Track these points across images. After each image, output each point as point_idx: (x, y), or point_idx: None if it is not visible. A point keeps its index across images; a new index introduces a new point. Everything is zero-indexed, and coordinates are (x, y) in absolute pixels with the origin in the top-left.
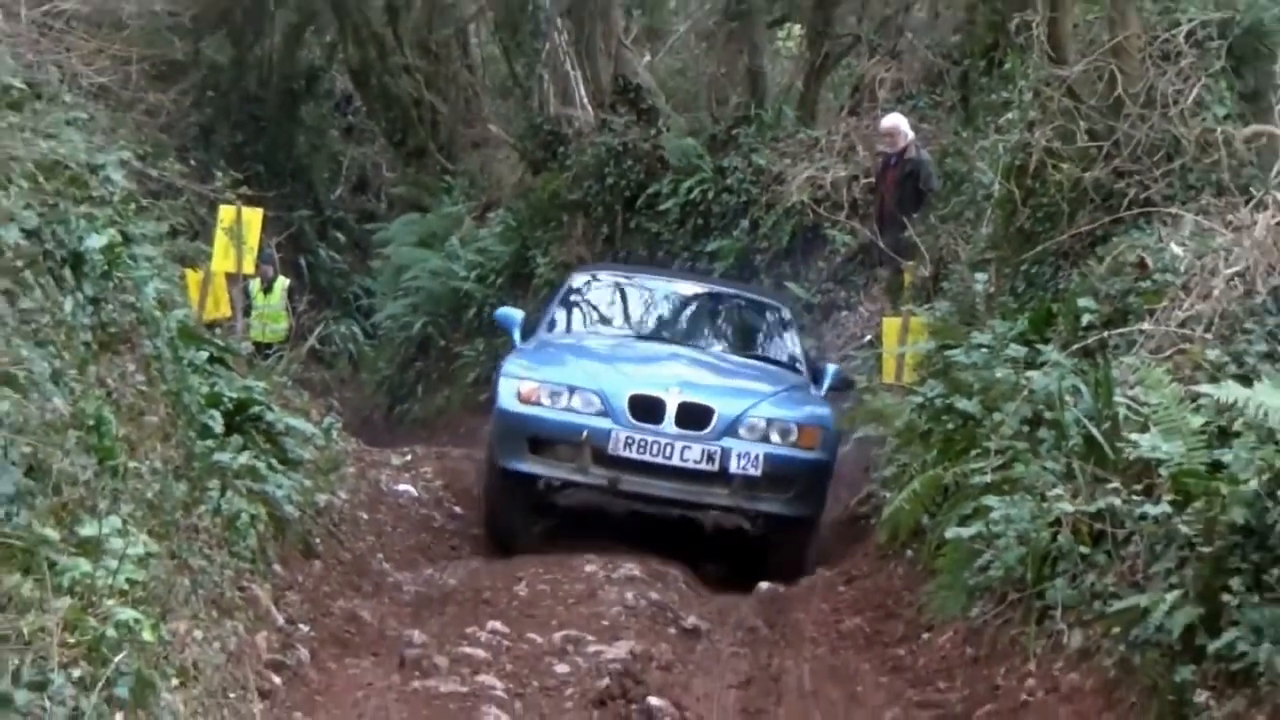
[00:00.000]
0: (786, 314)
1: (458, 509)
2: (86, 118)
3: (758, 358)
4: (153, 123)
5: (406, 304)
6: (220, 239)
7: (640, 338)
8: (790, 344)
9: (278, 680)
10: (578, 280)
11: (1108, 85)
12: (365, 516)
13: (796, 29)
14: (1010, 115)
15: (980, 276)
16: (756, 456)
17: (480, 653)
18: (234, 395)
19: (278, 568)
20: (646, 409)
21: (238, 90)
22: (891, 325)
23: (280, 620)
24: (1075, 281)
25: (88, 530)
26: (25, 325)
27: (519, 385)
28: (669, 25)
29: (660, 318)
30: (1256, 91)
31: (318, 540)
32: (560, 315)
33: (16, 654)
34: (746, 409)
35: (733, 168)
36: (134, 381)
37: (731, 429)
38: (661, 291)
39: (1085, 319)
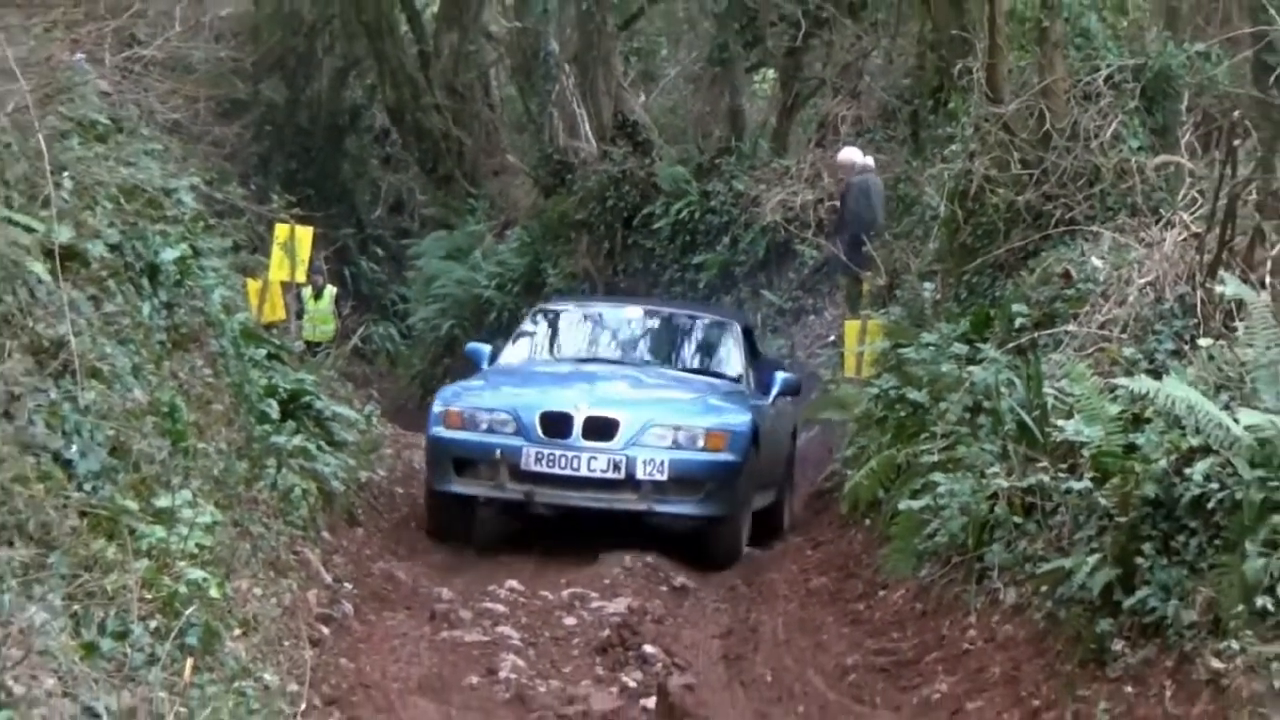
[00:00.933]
0: (736, 329)
1: None
2: (161, 148)
3: (699, 371)
4: (218, 153)
5: (436, 309)
6: (276, 252)
7: (583, 360)
8: (733, 356)
9: (326, 631)
10: (536, 313)
11: (1037, 121)
12: (400, 491)
13: (770, 73)
14: (954, 147)
15: (928, 285)
16: (661, 462)
17: (499, 607)
18: (288, 386)
19: (326, 534)
20: (556, 425)
21: (291, 125)
22: (852, 327)
23: (328, 579)
24: (1009, 290)
25: (163, 502)
26: (109, 326)
27: (445, 412)
28: (661, 70)
29: (608, 342)
30: (1165, 126)
31: (360, 511)
32: (513, 347)
33: (102, 608)
34: (651, 418)
35: (716, 192)
36: (202, 375)
37: (637, 438)
38: (612, 317)
39: (1018, 321)
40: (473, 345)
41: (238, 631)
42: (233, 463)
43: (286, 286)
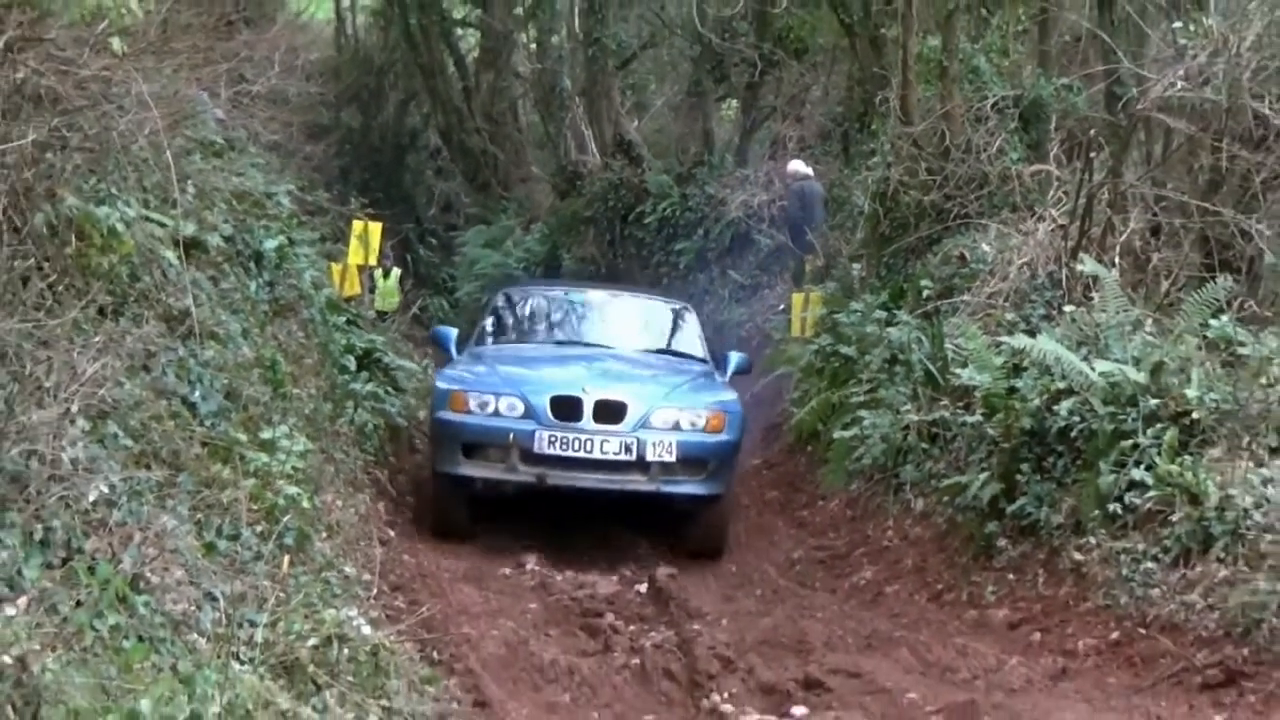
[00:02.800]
0: (689, 313)
1: None
2: (264, 162)
3: (666, 352)
4: (308, 165)
5: (477, 285)
6: (353, 242)
7: (560, 343)
8: (693, 338)
9: (392, 533)
10: (501, 299)
11: (939, 138)
12: None
13: (734, 102)
14: (875, 159)
15: (856, 265)
16: (670, 444)
17: (525, 515)
18: (362, 345)
19: (392, 459)
20: (567, 408)
21: (365, 144)
22: (797, 298)
23: (394, 493)
24: (918, 269)
25: (266, 435)
26: (223, 299)
27: (450, 395)
28: (650, 100)
29: (577, 324)
30: (1038, 142)
31: (418, 441)
32: (488, 329)
33: (218, 516)
34: (657, 401)
35: (692, 195)
36: (296, 337)
37: (645, 421)
38: (576, 300)
39: (925, 293)
40: (439, 329)
41: (324, 534)
42: (320, 404)
43: (361, 269)
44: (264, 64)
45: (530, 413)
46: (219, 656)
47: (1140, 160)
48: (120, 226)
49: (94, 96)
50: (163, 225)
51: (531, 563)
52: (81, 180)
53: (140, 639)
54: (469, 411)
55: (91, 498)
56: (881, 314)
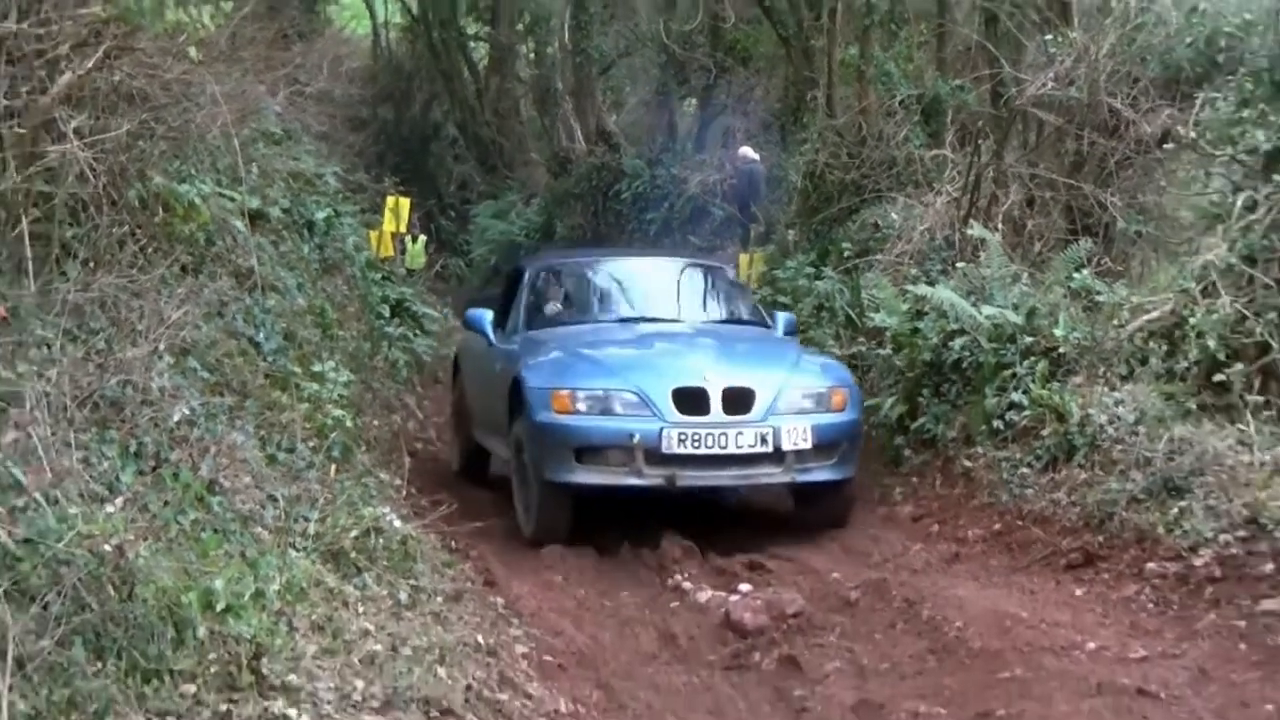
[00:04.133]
0: (730, 271)
1: None
2: (314, 149)
3: (733, 321)
4: (350, 152)
5: (486, 249)
6: (387, 214)
7: (623, 320)
8: (746, 301)
9: (419, 445)
10: (532, 273)
11: (857, 129)
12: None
13: (693, 101)
14: (806, 145)
15: (790, 232)
16: (805, 430)
17: None
18: (395, 297)
19: (419, 388)
20: (691, 401)
21: (396, 135)
22: (744, 258)
23: (420, 415)
24: (840, 233)
25: (317, 368)
26: (282, 259)
27: (551, 394)
28: (625, 99)
29: (631, 297)
30: (936, 132)
31: (440, 373)
32: (533, 309)
33: (278, 433)
34: (783, 384)
35: (659, 175)
36: (341, 290)
37: (774, 406)
38: (616, 271)
39: (845, 253)
40: (472, 312)
41: (363, 448)
42: (360, 344)
43: (394, 235)
44: (314, 70)
45: (651, 408)
46: (278, 545)
47: (1018, 146)
48: (198, 200)
49: (176, 95)
50: (232, 200)
51: None
52: (166, 163)
53: (215, 531)
54: (577, 411)
55: (175, 418)
56: (810, 270)
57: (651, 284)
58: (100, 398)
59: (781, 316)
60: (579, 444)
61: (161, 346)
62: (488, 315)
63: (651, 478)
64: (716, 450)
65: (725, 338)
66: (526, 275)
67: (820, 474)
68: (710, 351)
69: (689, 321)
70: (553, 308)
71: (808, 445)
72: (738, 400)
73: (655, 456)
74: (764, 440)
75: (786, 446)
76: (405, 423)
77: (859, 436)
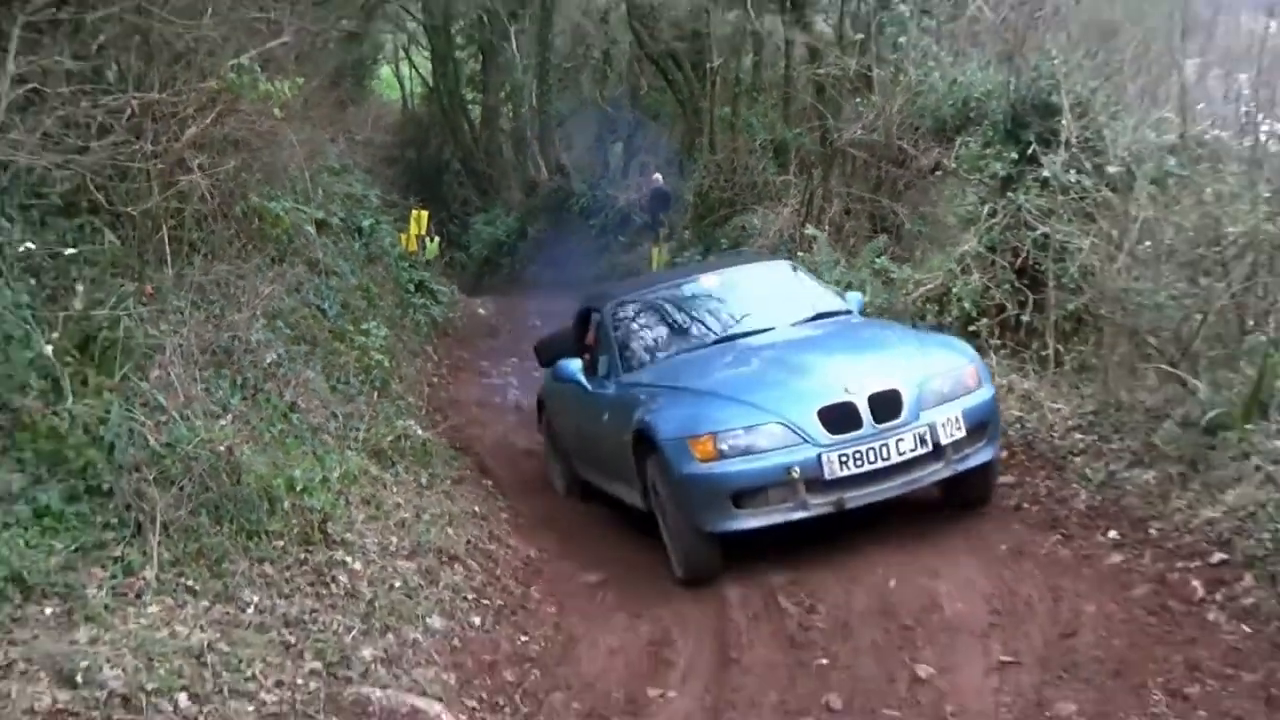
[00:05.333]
0: (790, 264)
1: (500, 321)
2: (361, 178)
3: (819, 315)
4: (386, 180)
5: (479, 246)
6: (412, 222)
7: (722, 340)
8: (824, 290)
9: (435, 380)
10: (607, 311)
11: (730, 162)
12: (464, 322)
13: (620, 143)
14: (696, 174)
15: (686, 232)
16: (956, 418)
17: (507, 370)
18: (418, 278)
19: (435, 341)
20: (840, 417)
21: (418, 168)
22: (654, 250)
23: (436, 359)
24: (719, 233)
25: (364, 326)
26: (340, 253)
27: (690, 443)
28: (576, 142)
29: (713, 316)
30: (783, 164)
31: (449, 331)
32: (623, 349)
33: (338, 371)
34: (922, 376)
35: (599, 194)
36: (380, 273)
37: (920, 401)
38: (689, 291)
39: (724, 245)
40: (562, 364)
41: (397, 381)
42: (394, 310)
43: (417, 237)
44: (361, 123)
45: (801, 435)
46: (338, 447)
47: (838, 173)
48: (282, 213)
49: (266, 141)
50: (305, 212)
51: (510, 392)
52: (260, 188)
53: (294, 437)
54: (723, 456)
55: (267, 360)
56: (699, 258)
57: (728, 298)
58: (216, 347)
59: (852, 297)
60: (735, 490)
61: (258, 312)
62: (576, 364)
63: (818, 506)
64: (880, 464)
65: (831, 337)
66: (604, 316)
67: (977, 458)
68: (832, 357)
69: (780, 327)
70: (641, 344)
71: (962, 433)
72: (886, 404)
73: (818, 485)
74: (923, 441)
75: (944, 440)
76: (425, 364)
77: (997, 409)
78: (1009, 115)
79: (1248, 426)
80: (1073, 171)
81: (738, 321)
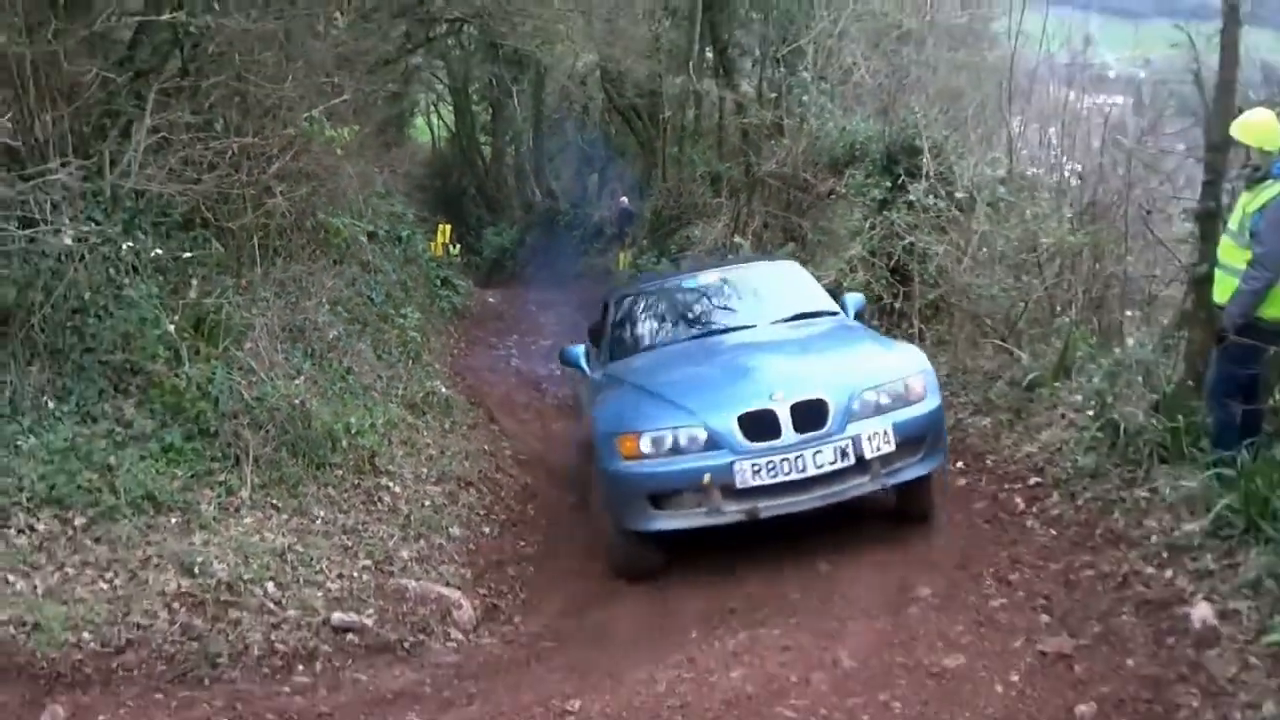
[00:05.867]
0: (794, 265)
1: (505, 308)
2: (401, 200)
3: (802, 316)
4: (419, 201)
5: (489, 251)
6: (438, 234)
7: (696, 336)
8: (814, 289)
9: (456, 352)
10: (613, 302)
11: (678, 188)
12: (478, 308)
13: (597, 174)
14: (653, 196)
15: (644, 241)
16: (885, 431)
17: (510, 344)
18: (443, 275)
19: (456, 323)
20: (760, 425)
21: (444, 193)
22: (622, 254)
23: (456, 336)
24: (669, 241)
25: (402, 311)
26: (385, 257)
27: (616, 439)
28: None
29: (703, 308)
30: (718, 190)
31: (466, 315)
32: (615, 340)
33: (382, 345)
34: (854, 383)
35: (580, 211)
36: (414, 271)
37: (849, 412)
38: (692, 285)
39: (672, 251)
40: (569, 349)
41: (427, 353)
42: (425, 299)
43: (443, 244)
44: (401, 159)
45: (718, 441)
46: (383, 401)
47: (759, 196)
48: (341, 227)
49: (330, 172)
50: (359, 226)
51: (514, 362)
52: (326, 208)
53: (350, 394)
54: (644, 456)
55: (330, 336)
56: (655, 260)
57: (721, 294)
58: (292, 326)
59: (851, 300)
60: (653, 490)
61: (323, 300)
62: (581, 349)
63: (732, 513)
64: (795, 475)
65: (796, 339)
66: (609, 305)
67: (910, 472)
68: (779, 361)
69: (762, 324)
70: (631, 335)
71: (891, 447)
72: (810, 415)
73: (733, 492)
74: (844, 454)
75: (869, 454)
76: (448, 339)
77: (942, 423)
78: (884, 154)
79: (1056, 385)
80: (931, 196)
81: (723, 317)
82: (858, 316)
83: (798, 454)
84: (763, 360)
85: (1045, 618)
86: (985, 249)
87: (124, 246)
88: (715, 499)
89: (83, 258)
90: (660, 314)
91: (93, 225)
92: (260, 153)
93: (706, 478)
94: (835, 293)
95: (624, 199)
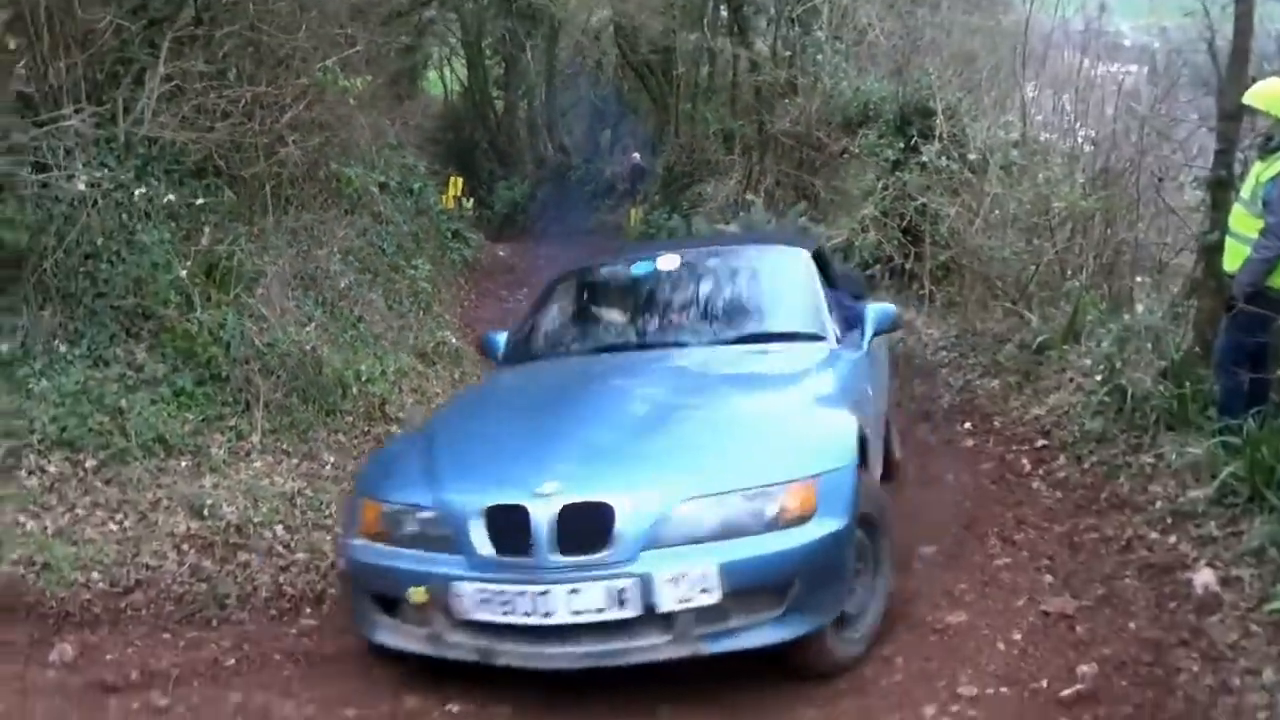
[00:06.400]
0: (802, 258)
1: (516, 261)
2: (413, 152)
3: (762, 337)
4: (431, 154)
5: (501, 205)
6: (450, 186)
7: (602, 349)
8: (805, 300)
9: (466, 304)
10: (547, 287)
11: (690, 145)
12: (488, 261)
13: (609, 130)
14: (664, 153)
15: (656, 197)
16: (705, 574)
17: (520, 297)
18: (453, 228)
19: (466, 275)
20: (510, 530)
21: (455, 146)
22: (633, 211)
23: (467, 288)
24: (682, 198)
25: (413, 262)
26: (397, 207)
27: (361, 505)
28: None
29: (638, 311)
30: (730, 148)
31: (477, 268)
32: (517, 341)
33: (393, 294)
34: (680, 489)
35: (591, 167)
36: (426, 223)
37: (654, 535)
38: (643, 274)
39: (684, 207)
40: (488, 335)
41: (437, 303)
42: (436, 251)
43: (455, 198)
44: (413, 112)
45: (458, 541)
46: (394, 349)
47: (772, 155)
48: (354, 177)
49: (343, 122)
50: (371, 177)
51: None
52: (338, 158)
53: (361, 342)
54: (379, 535)
55: (342, 285)
56: (666, 216)
57: (678, 288)
58: (304, 274)
59: (874, 312)
60: (376, 590)
61: (335, 250)
62: (501, 338)
63: (460, 648)
64: (537, 619)
65: (702, 382)
66: (549, 289)
67: (752, 637)
68: (628, 419)
69: (698, 345)
70: (540, 334)
71: (713, 597)
72: (586, 528)
73: (459, 621)
74: (622, 600)
75: (665, 605)
76: (458, 291)
77: (839, 562)
78: (898, 115)
79: (1065, 349)
80: (944, 158)
81: (658, 326)
82: (879, 333)
83: (545, 588)
84: (616, 414)
85: (1049, 578)
86: (997, 211)
87: (137, 193)
88: (439, 622)
89: (95, 203)
90: (588, 308)
91: (106, 171)
92: (273, 102)
93: (414, 592)
94: (859, 295)
95: (636, 155)
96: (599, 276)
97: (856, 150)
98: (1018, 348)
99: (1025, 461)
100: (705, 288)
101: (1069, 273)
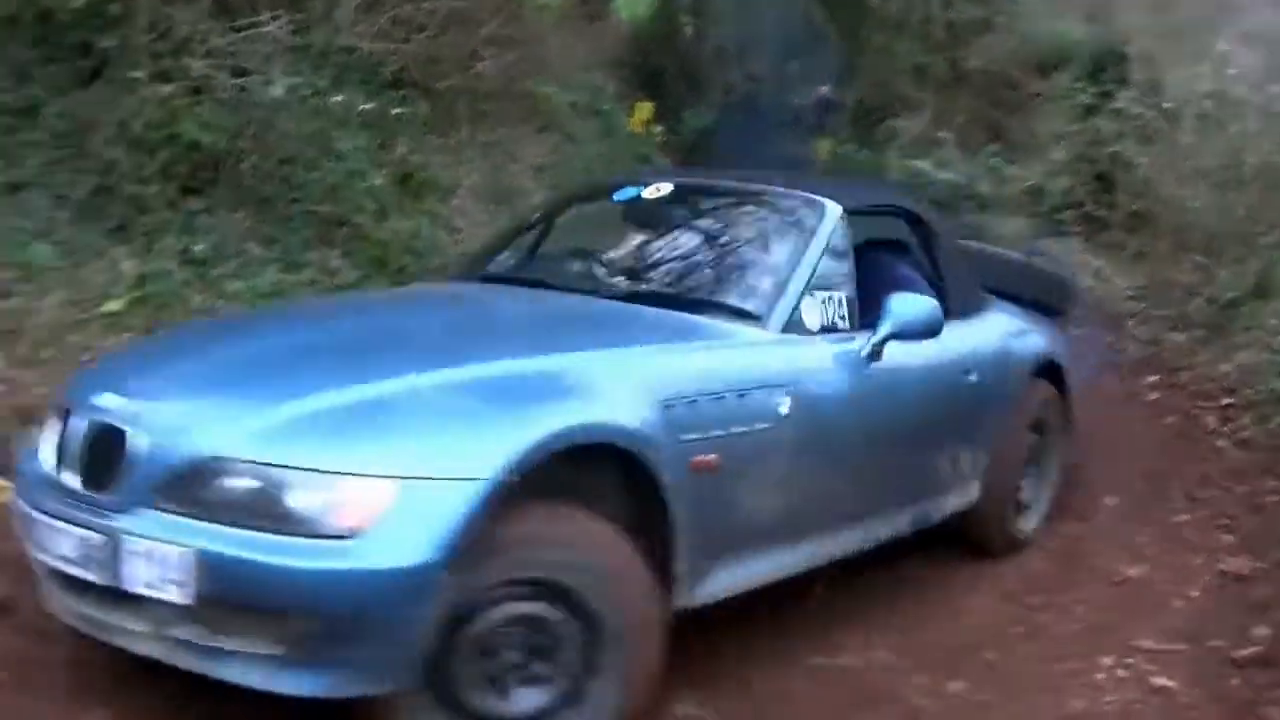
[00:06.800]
0: (827, 214)
1: None
2: (603, 73)
3: (677, 301)
4: (619, 77)
5: (689, 132)
6: (637, 110)
7: (520, 281)
8: (778, 264)
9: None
10: (559, 199)
11: (882, 81)
12: None
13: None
14: (856, 85)
15: (845, 132)
16: (180, 559)
17: None
18: (642, 153)
19: None
20: (67, 440)
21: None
22: (822, 143)
23: None
24: (876, 133)
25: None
26: (584, 129)
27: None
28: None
29: (577, 246)
30: (923, 84)
31: None
32: (493, 245)
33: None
34: (219, 442)
35: (780, 99)
36: (613, 144)
37: (173, 489)
38: (618, 199)
39: (877, 141)
40: None
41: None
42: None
43: (643, 122)
44: (605, 33)
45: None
46: None
47: (965, 93)
48: (550, 94)
49: (537, 39)
50: (563, 96)
51: None
52: (533, 75)
53: None
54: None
55: (533, 200)
56: (856, 151)
57: (641, 231)
58: (496, 189)
59: (900, 306)
60: None
61: (528, 166)
62: None
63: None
64: (50, 558)
65: (471, 339)
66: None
67: (248, 673)
68: (312, 351)
69: (605, 294)
70: (508, 253)
71: (185, 597)
72: (105, 454)
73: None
74: (90, 559)
75: (133, 585)
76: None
77: (391, 610)
78: (1092, 60)
79: (1255, 305)
80: (1138, 106)
81: (599, 267)
82: (898, 337)
83: (52, 516)
84: (318, 342)
85: (1229, 537)
86: (1189, 161)
87: (333, 100)
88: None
89: (293, 109)
90: (549, 230)
91: (302, 79)
92: (470, 17)
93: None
94: (909, 281)
95: (825, 88)
96: (583, 193)
97: (1051, 94)
98: (1206, 302)
99: (1210, 418)
100: (674, 231)
101: (1262, 229)
